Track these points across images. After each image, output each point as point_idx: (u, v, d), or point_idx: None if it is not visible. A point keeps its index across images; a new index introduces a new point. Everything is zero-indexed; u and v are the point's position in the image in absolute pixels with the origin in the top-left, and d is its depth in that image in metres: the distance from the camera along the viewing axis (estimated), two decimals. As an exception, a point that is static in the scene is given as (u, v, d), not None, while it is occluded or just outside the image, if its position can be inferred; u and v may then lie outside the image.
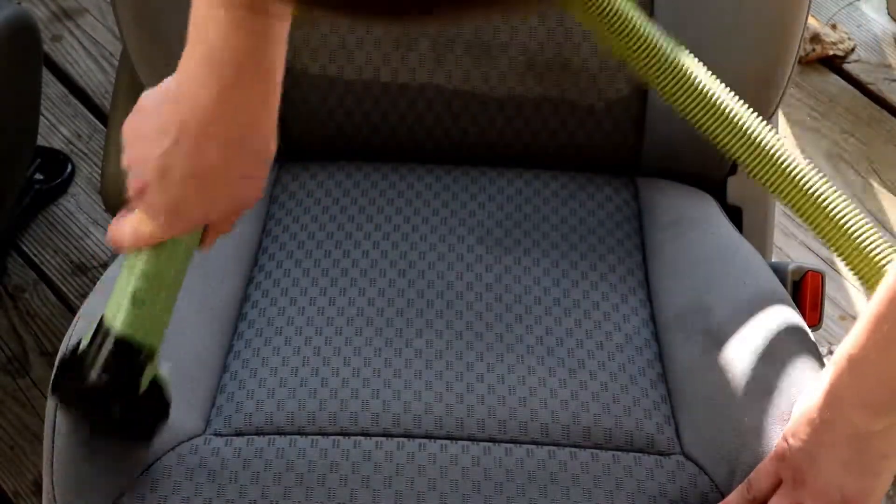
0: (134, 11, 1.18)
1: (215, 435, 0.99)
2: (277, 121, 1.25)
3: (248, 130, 0.83)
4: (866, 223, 0.87)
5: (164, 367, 0.91)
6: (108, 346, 0.87)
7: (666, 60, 0.90)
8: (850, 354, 0.84)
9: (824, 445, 0.88)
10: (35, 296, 1.70)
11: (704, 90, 0.90)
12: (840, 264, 1.78)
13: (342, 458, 0.97)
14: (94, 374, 0.87)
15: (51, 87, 1.94)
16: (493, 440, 0.99)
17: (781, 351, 1.04)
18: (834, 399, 0.87)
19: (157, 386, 0.90)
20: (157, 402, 0.91)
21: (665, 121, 1.23)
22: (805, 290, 1.19)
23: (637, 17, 0.90)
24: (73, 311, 1.68)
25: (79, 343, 0.89)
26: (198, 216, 0.86)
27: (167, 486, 0.95)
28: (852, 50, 2.03)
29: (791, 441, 0.90)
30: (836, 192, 0.88)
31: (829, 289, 1.71)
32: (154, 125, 0.82)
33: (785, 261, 1.23)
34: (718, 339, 1.05)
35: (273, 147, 0.86)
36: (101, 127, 1.89)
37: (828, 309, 1.66)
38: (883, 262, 0.85)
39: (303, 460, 0.97)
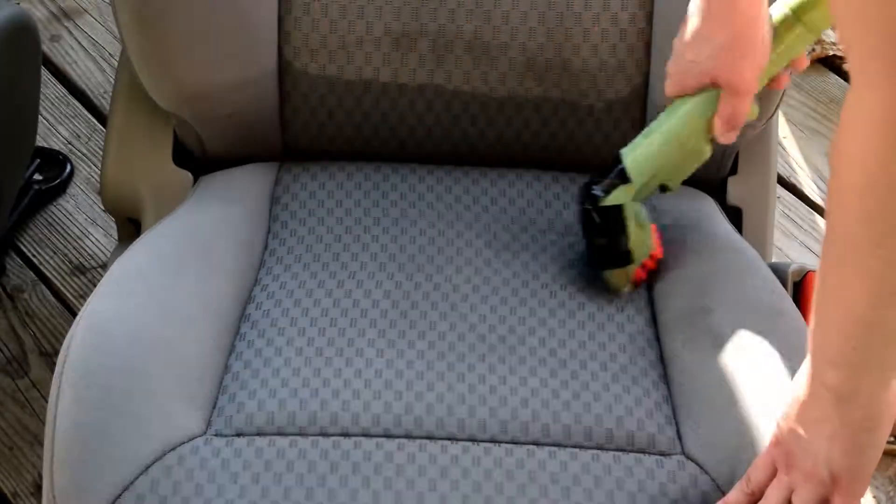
0: (133, 12, 1.18)
1: (216, 435, 0.99)
2: (277, 120, 1.25)
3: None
4: None
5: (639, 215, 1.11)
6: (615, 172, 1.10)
7: None
8: (814, 311, 0.88)
9: (810, 421, 0.89)
10: (34, 296, 1.70)
11: None
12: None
13: (343, 459, 0.97)
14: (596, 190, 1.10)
15: (50, 87, 1.94)
16: (494, 441, 0.99)
17: (782, 351, 1.04)
18: (812, 368, 0.89)
19: (617, 217, 1.10)
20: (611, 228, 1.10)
21: (665, 121, 1.23)
22: (806, 291, 1.19)
23: None
24: (72, 311, 1.68)
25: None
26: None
27: (167, 486, 0.95)
28: (852, 50, 2.03)
29: (782, 423, 0.92)
30: None
31: (829, 289, 1.71)
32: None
33: (785, 261, 1.23)
34: (719, 340, 1.05)
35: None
36: (101, 127, 1.89)
37: (828, 309, 1.65)
38: None
39: (303, 461, 0.97)
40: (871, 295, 0.83)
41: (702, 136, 1.08)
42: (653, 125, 1.10)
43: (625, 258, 1.10)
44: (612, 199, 1.09)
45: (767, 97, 1.22)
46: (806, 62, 1.10)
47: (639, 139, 1.10)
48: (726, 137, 1.08)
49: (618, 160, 1.10)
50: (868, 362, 0.86)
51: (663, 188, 1.11)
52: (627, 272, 1.11)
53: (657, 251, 1.13)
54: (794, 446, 0.90)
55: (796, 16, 1.06)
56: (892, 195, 0.79)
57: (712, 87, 1.07)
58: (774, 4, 1.07)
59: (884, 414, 0.87)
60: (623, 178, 1.09)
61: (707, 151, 1.10)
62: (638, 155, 1.09)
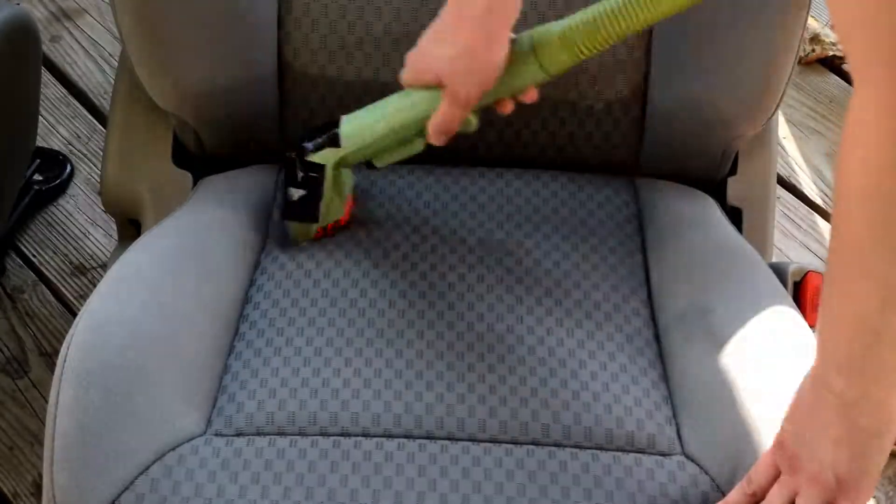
0: (133, 13, 1.18)
1: (216, 435, 0.99)
2: (277, 121, 1.25)
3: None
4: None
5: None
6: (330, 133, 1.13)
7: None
8: (820, 316, 0.88)
9: (815, 425, 0.89)
10: (34, 296, 1.70)
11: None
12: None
13: (343, 459, 0.97)
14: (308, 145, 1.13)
15: (50, 87, 1.94)
16: (494, 441, 0.99)
17: (783, 351, 1.04)
18: (817, 371, 0.89)
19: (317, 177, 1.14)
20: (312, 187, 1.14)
21: (665, 121, 1.23)
22: (806, 291, 1.19)
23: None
24: (72, 311, 1.68)
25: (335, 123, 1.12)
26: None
27: (167, 486, 0.95)
28: (852, 50, 2.03)
29: (786, 426, 0.91)
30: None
31: (829, 289, 1.71)
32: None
33: (785, 261, 1.23)
34: (719, 339, 1.05)
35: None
36: (101, 128, 1.89)
37: (828, 309, 1.65)
38: None
39: (303, 461, 0.97)
40: (879, 300, 0.83)
41: (414, 130, 1.11)
42: (381, 102, 1.12)
43: (312, 216, 1.14)
44: (319, 158, 1.12)
45: (767, 97, 1.22)
46: (534, 96, 1.09)
47: (363, 111, 1.13)
48: (435, 139, 1.09)
49: (336, 123, 1.13)
50: (875, 368, 0.85)
51: (369, 164, 1.15)
52: (310, 229, 1.15)
53: (343, 217, 1.16)
54: (799, 449, 0.90)
55: (535, 54, 1.05)
56: None
57: (440, 88, 1.08)
58: (523, 33, 1.07)
59: (891, 420, 0.87)
60: (335, 142, 1.12)
61: (418, 145, 1.13)
62: (355, 126, 1.12)
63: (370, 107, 1.13)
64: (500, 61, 1.05)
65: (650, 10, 0.99)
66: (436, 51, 1.07)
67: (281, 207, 1.16)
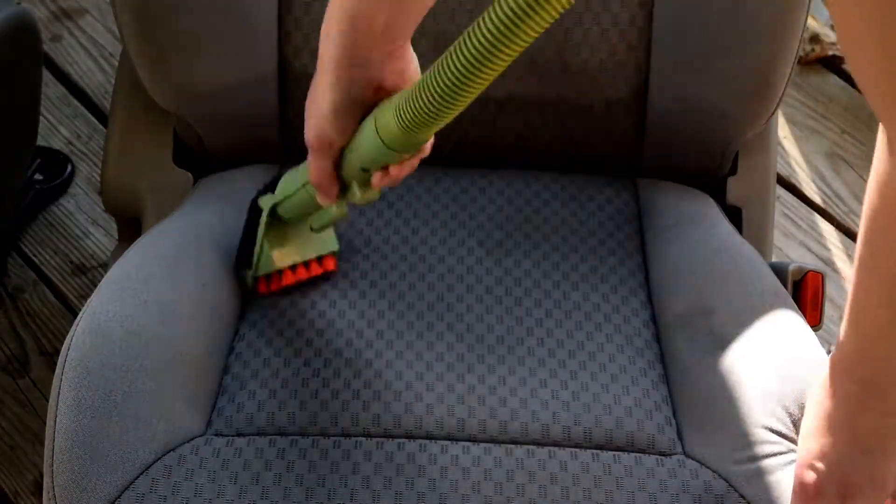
0: (134, 12, 1.18)
1: (216, 435, 0.99)
2: (277, 120, 1.25)
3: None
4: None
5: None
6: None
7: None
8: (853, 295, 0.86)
9: (851, 441, 0.88)
10: (35, 296, 1.70)
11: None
12: (840, 264, 1.78)
13: (343, 459, 0.97)
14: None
15: (51, 87, 1.94)
16: (494, 441, 0.99)
17: (783, 351, 1.04)
18: (836, 375, 0.88)
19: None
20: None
21: (665, 121, 1.23)
22: (806, 291, 1.19)
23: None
24: (72, 311, 1.68)
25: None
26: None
27: (167, 486, 0.95)
28: (852, 50, 2.03)
29: (814, 461, 0.90)
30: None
31: (829, 289, 1.71)
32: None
33: (785, 261, 1.23)
34: (720, 339, 1.05)
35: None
36: (101, 127, 1.89)
37: (828, 309, 1.66)
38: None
39: (303, 461, 0.97)
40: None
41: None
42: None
43: (246, 261, 1.10)
44: (261, 201, 1.08)
45: (767, 97, 1.22)
46: (398, 178, 0.93)
47: (304, 163, 1.01)
48: (320, 199, 0.98)
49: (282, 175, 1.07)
50: None
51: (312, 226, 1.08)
52: (247, 276, 1.11)
53: (286, 280, 1.09)
54: (849, 470, 0.89)
55: (376, 127, 0.90)
56: None
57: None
58: (385, 102, 0.91)
59: None
60: (273, 188, 1.07)
61: (335, 211, 1.00)
62: (288, 176, 1.05)
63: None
64: (325, 106, 0.91)
65: (469, 75, 0.83)
66: (312, 109, 0.95)
67: (236, 254, 1.13)
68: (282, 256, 1.10)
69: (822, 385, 0.91)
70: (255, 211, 1.10)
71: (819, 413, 0.91)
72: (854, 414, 0.88)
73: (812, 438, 0.91)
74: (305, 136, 0.94)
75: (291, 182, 1.05)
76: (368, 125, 0.91)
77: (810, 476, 0.91)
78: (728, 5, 1.18)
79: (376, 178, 0.93)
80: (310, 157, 0.96)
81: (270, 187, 1.08)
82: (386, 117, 0.88)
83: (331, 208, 1.00)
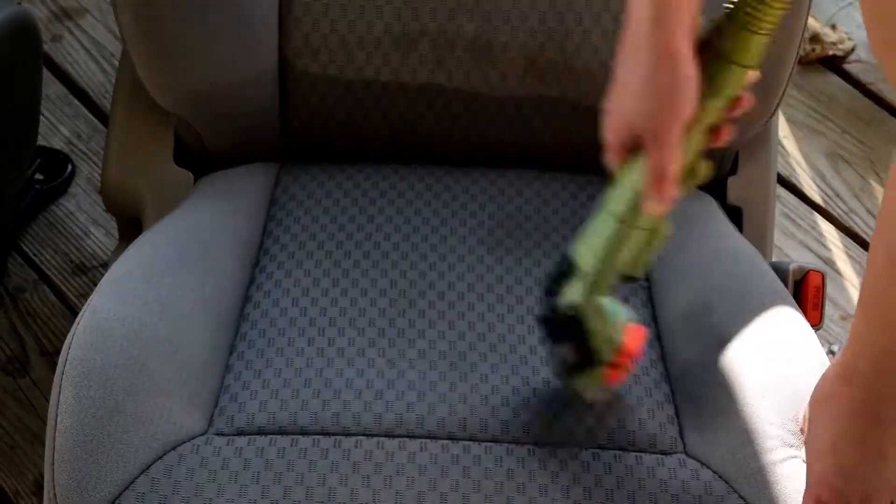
0: (134, 12, 1.19)
1: (218, 434, 0.99)
2: (277, 120, 1.25)
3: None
4: None
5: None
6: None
7: None
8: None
9: (860, 442, 0.88)
10: (35, 296, 1.70)
11: None
12: (840, 264, 1.78)
13: (343, 458, 0.97)
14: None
15: (51, 87, 1.94)
16: (495, 440, 0.99)
17: (784, 350, 1.04)
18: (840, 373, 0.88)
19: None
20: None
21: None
22: (806, 290, 1.19)
23: None
24: (73, 310, 1.68)
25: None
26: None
27: (168, 486, 0.95)
28: (852, 50, 2.03)
29: (824, 467, 0.90)
30: None
31: (830, 289, 1.71)
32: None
33: (785, 261, 1.23)
34: (721, 339, 1.05)
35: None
36: (102, 127, 1.89)
37: (828, 309, 1.65)
38: None
39: (304, 460, 0.97)
40: None
41: (640, 209, 0.94)
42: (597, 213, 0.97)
43: (587, 359, 0.98)
44: (568, 298, 0.96)
45: (767, 97, 1.22)
46: (750, 100, 0.93)
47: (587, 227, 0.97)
48: (657, 196, 0.92)
49: (560, 265, 0.98)
50: None
51: (630, 278, 0.98)
52: (595, 376, 0.99)
53: (631, 348, 0.99)
54: (869, 479, 0.88)
55: (720, 49, 0.91)
56: None
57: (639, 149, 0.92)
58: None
59: None
60: (573, 271, 0.96)
61: (663, 231, 0.95)
62: (582, 242, 0.96)
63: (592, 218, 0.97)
64: (684, 79, 0.88)
65: None
66: (619, 101, 0.92)
67: (553, 367, 1.02)
68: (617, 332, 0.99)
69: (828, 400, 0.90)
70: (559, 316, 0.98)
71: (833, 430, 0.90)
72: (871, 427, 0.87)
73: (827, 456, 0.90)
74: (636, 128, 0.90)
75: (593, 235, 0.95)
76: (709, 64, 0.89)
77: (829, 494, 0.90)
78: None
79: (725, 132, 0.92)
80: (657, 154, 0.90)
81: (556, 279, 0.97)
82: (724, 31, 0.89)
83: (662, 232, 0.94)
